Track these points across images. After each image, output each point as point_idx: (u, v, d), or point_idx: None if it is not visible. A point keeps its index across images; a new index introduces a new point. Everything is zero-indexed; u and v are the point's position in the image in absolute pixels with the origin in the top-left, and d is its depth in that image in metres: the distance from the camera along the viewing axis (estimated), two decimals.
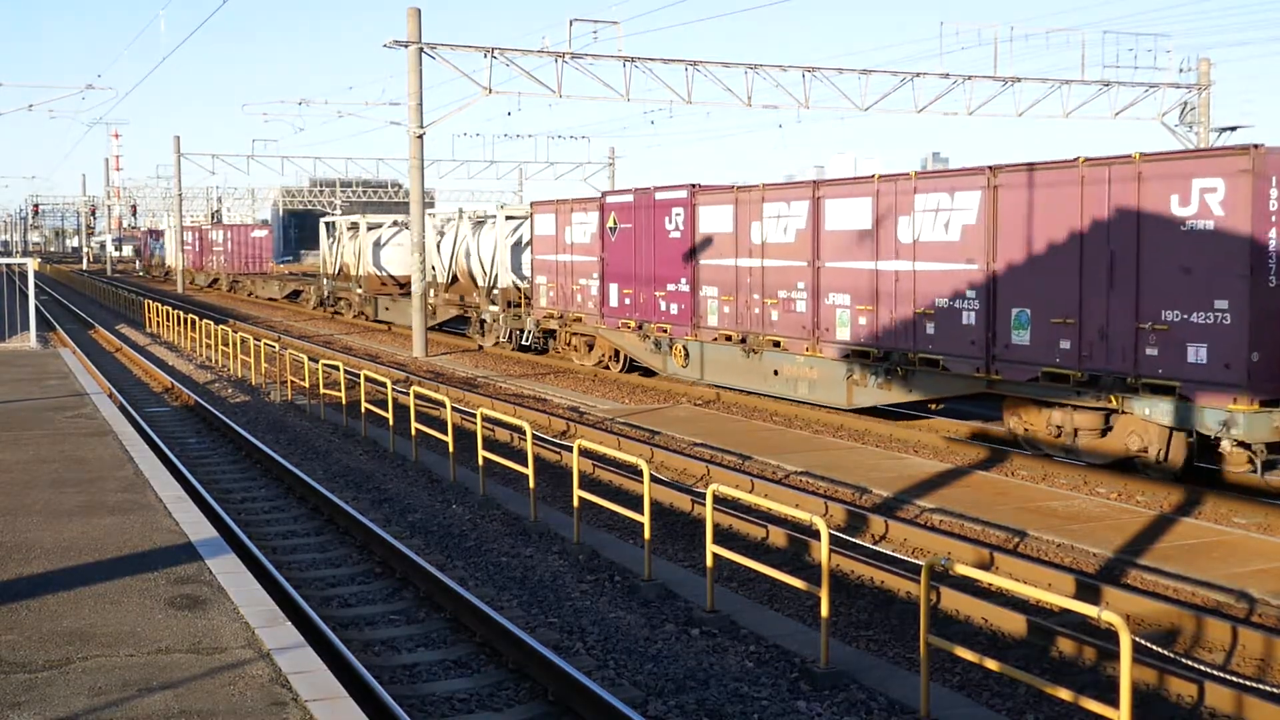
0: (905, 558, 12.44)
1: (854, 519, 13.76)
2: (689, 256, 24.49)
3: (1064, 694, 7.41)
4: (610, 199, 27.60)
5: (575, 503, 13.02)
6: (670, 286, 25.26)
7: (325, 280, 52.12)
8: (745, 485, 15.55)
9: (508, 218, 34.19)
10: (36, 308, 34.97)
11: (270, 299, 65.30)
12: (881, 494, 15.02)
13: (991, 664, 7.93)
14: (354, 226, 48.04)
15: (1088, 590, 10.89)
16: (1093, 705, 7.09)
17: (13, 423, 17.57)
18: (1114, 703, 6.92)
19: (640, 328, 26.30)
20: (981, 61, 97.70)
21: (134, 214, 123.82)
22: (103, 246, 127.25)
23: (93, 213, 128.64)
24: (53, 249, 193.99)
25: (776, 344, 22.20)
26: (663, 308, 25.49)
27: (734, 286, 23.30)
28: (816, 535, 12.27)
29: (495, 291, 34.10)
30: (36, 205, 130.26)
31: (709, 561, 10.60)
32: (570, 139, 76.50)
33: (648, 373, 27.52)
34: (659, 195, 25.62)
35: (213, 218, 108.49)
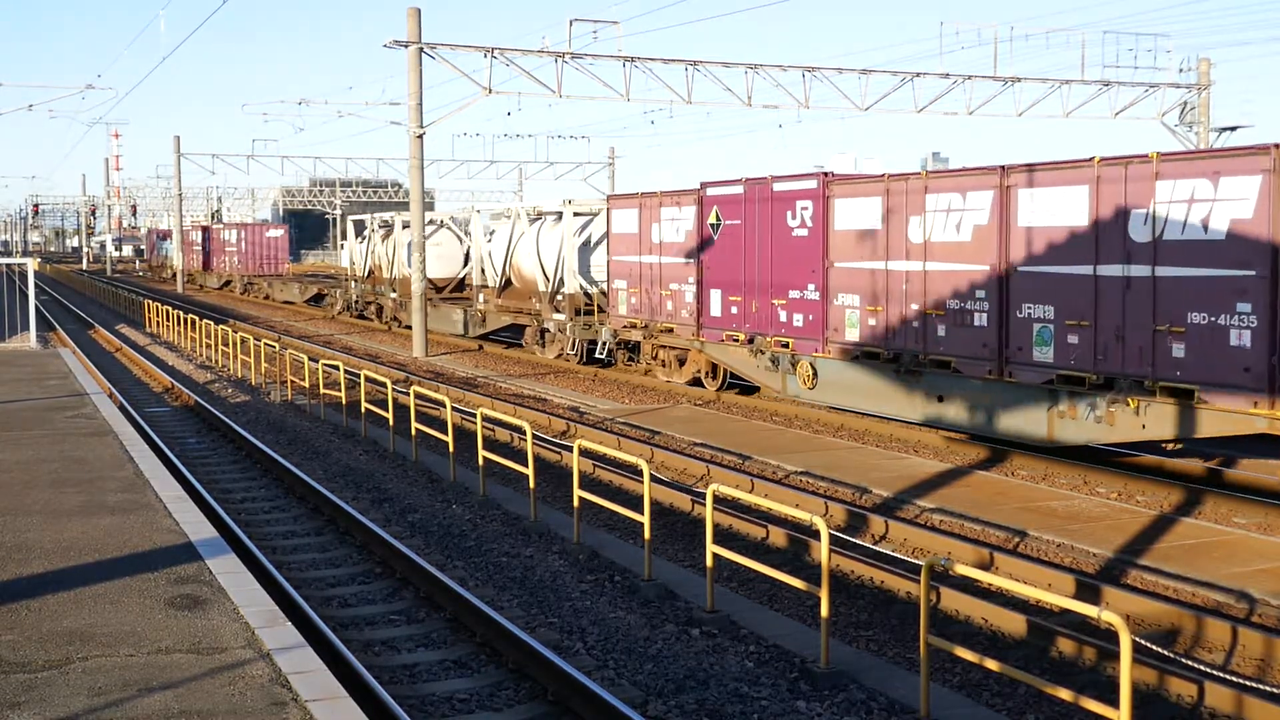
0: (905, 558, 12.44)
1: (854, 519, 13.76)
2: (819, 258, 20.63)
3: (1064, 694, 7.41)
4: (712, 191, 23.68)
5: (575, 503, 13.02)
6: (793, 294, 21.35)
7: (353, 284, 47.87)
8: (745, 485, 15.55)
9: (575, 214, 30.57)
10: (36, 308, 34.98)
11: (287, 302, 61.65)
12: (881, 494, 15.02)
13: (991, 664, 7.93)
14: (387, 225, 44.25)
15: (1088, 590, 10.89)
16: (1093, 705, 7.09)
17: (13, 423, 17.57)
18: (1114, 703, 6.92)
19: (751, 341, 22.46)
20: (981, 61, 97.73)
21: (134, 214, 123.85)
22: (103, 246, 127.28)
23: (93, 213, 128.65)
24: (53, 249, 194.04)
25: (944, 365, 18.13)
26: (782, 318, 21.66)
27: (882, 294, 19.36)
28: (816, 535, 12.28)
29: (560, 297, 30.35)
30: (36, 205, 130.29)
31: (709, 561, 10.60)
32: (570, 139, 76.61)
33: (747, 389, 24.88)
34: (779, 186, 21.80)
35: (213, 217, 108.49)
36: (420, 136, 34.46)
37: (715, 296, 23.70)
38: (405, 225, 41.47)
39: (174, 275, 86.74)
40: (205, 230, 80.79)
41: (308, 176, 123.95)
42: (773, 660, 9.56)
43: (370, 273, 45.73)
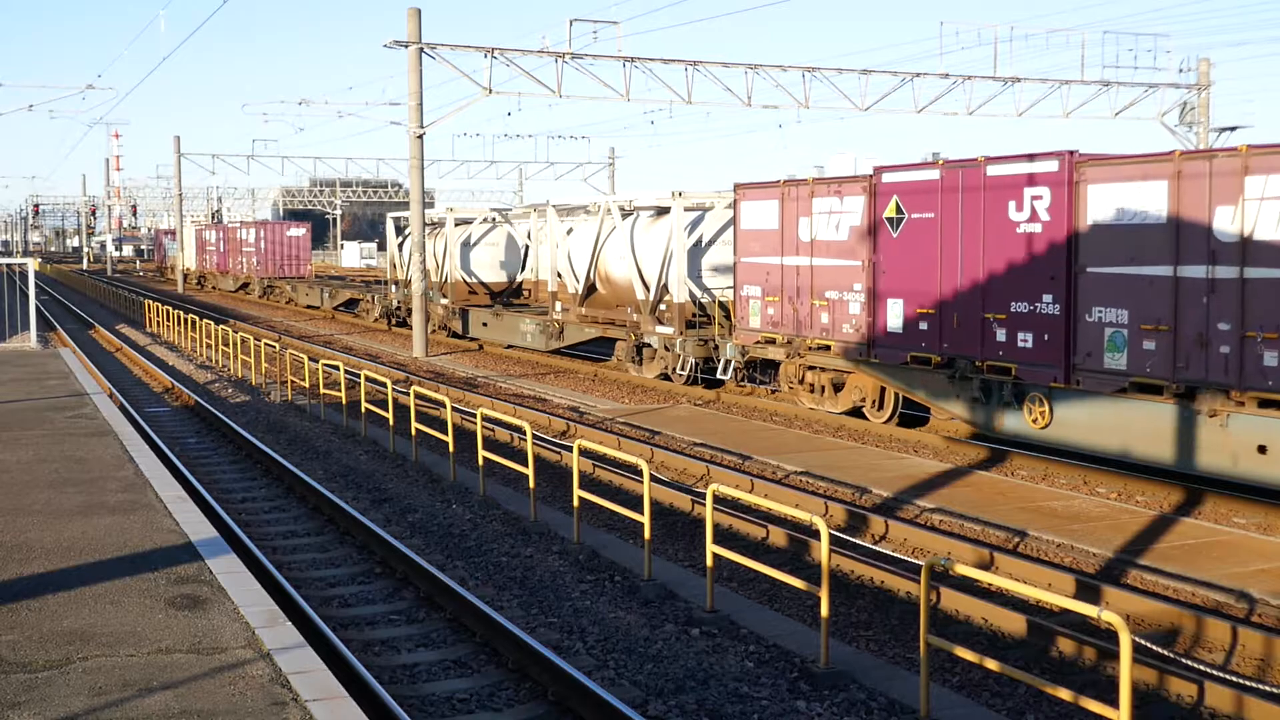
0: (905, 558, 12.44)
1: (854, 519, 13.77)
2: (1062, 261, 16.14)
3: (1064, 694, 7.41)
4: (891, 177, 19.24)
5: (575, 503, 13.03)
6: (1018, 306, 16.82)
7: (394, 288, 42.13)
8: (745, 485, 15.55)
9: (685, 209, 25.98)
10: (37, 308, 34.98)
11: (310, 307, 55.85)
12: (881, 494, 15.02)
13: (991, 664, 7.94)
14: (435, 224, 39.75)
15: (1088, 590, 10.89)
16: (1093, 705, 7.10)
17: (13, 423, 17.57)
18: (1114, 703, 6.92)
19: (950, 364, 18.05)
20: (981, 61, 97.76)
21: (134, 214, 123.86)
22: (103, 246, 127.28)
23: (93, 213, 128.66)
24: (53, 249, 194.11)
25: (1270, 404, 13.89)
26: (1000, 337, 17.17)
27: (1166, 310, 14.75)
28: (816, 535, 12.28)
29: (664, 307, 25.91)
30: (37, 205, 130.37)
31: (709, 561, 10.60)
32: (570, 139, 76.58)
33: (912, 412, 20.68)
34: (996, 170, 17.28)
35: (213, 218, 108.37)
36: (420, 136, 34.46)
37: (894, 308, 19.15)
38: (459, 222, 38.13)
39: (184, 277, 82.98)
40: (220, 229, 75.13)
41: (308, 176, 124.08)
42: (773, 660, 9.56)
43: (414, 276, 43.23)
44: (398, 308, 42.21)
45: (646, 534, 11.56)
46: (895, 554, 12.60)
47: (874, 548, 12.88)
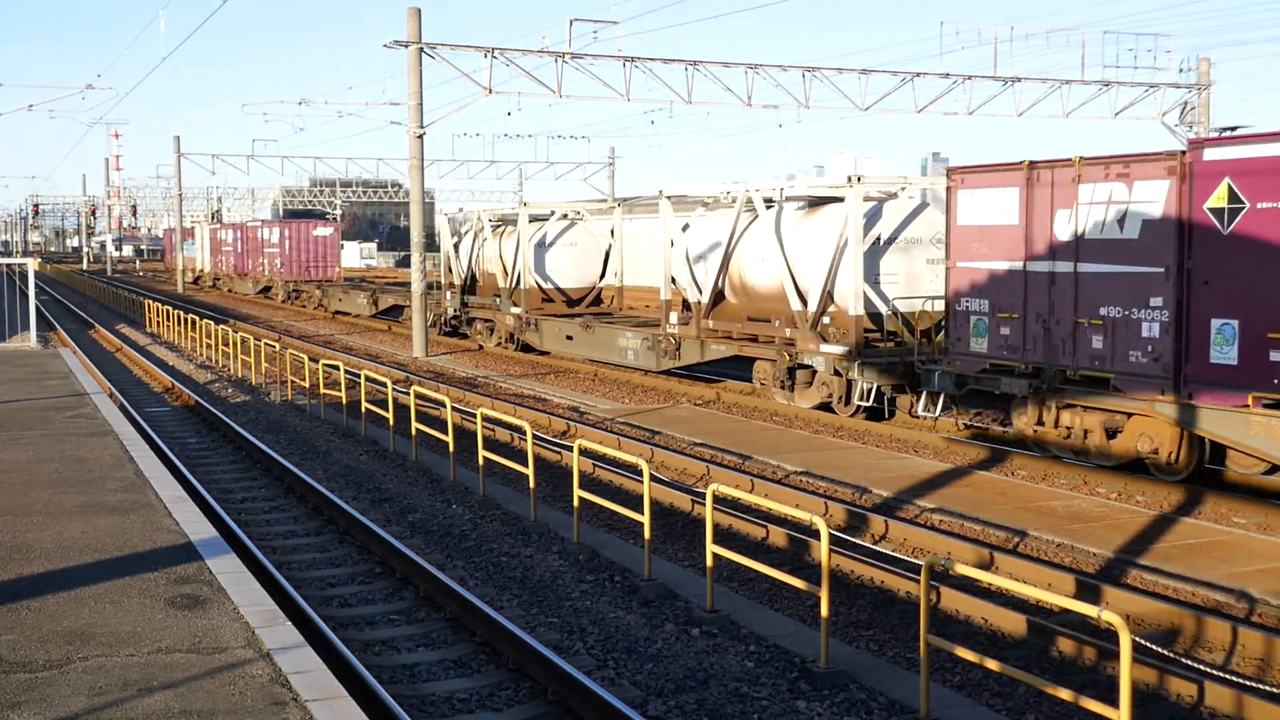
0: (905, 557, 12.44)
1: (854, 519, 13.77)
2: None
3: (1064, 694, 7.41)
4: (1217, 153, 14.73)
5: (575, 503, 13.03)
6: None
7: (449, 294, 37.37)
8: (745, 485, 15.55)
9: (865, 198, 21.31)
10: (37, 308, 34.98)
11: (339, 313, 50.90)
12: (881, 494, 15.02)
13: (991, 664, 7.94)
14: (503, 221, 35.09)
15: (1088, 590, 10.89)
16: (1093, 705, 7.10)
17: (13, 423, 17.57)
18: (1114, 703, 6.92)
19: None
20: (981, 61, 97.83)
21: (134, 214, 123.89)
22: (103, 247, 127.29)
23: (93, 213, 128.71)
24: (53, 249, 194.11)
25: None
26: None
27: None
28: (816, 535, 12.27)
29: (828, 320, 21.64)
30: (37, 205, 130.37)
31: (709, 561, 10.60)
32: (570, 139, 76.67)
33: (1218, 465, 15.86)
34: None
35: (213, 218, 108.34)
36: (420, 136, 34.46)
37: (1226, 332, 14.54)
38: (535, 219, 33.31)
39: (197, 279, 78.26)
40: (238, 229, 69.19)
41: (308, 176, 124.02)
42: (773, 660, 9.56)
43: (473, 280, 36.15)
44: (455, 316, 37.26)
45: (646, 534, 11.56)
46: (895, 554, 12.60)
47: (874, 548, 12.88)
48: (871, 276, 20.99)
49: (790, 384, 22.39)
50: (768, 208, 22.97)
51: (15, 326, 36.02)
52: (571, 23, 35.61)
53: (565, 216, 33.65)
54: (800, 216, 22.48)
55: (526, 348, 32.72)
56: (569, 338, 30.18)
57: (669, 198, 26.34)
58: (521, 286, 32.37)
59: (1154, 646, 9.39)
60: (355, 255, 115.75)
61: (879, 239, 21.11)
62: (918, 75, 40.37)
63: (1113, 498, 15.16)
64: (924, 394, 19.02)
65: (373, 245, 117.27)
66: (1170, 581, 11.39)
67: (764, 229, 22.77)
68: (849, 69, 39.96)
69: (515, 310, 32.74)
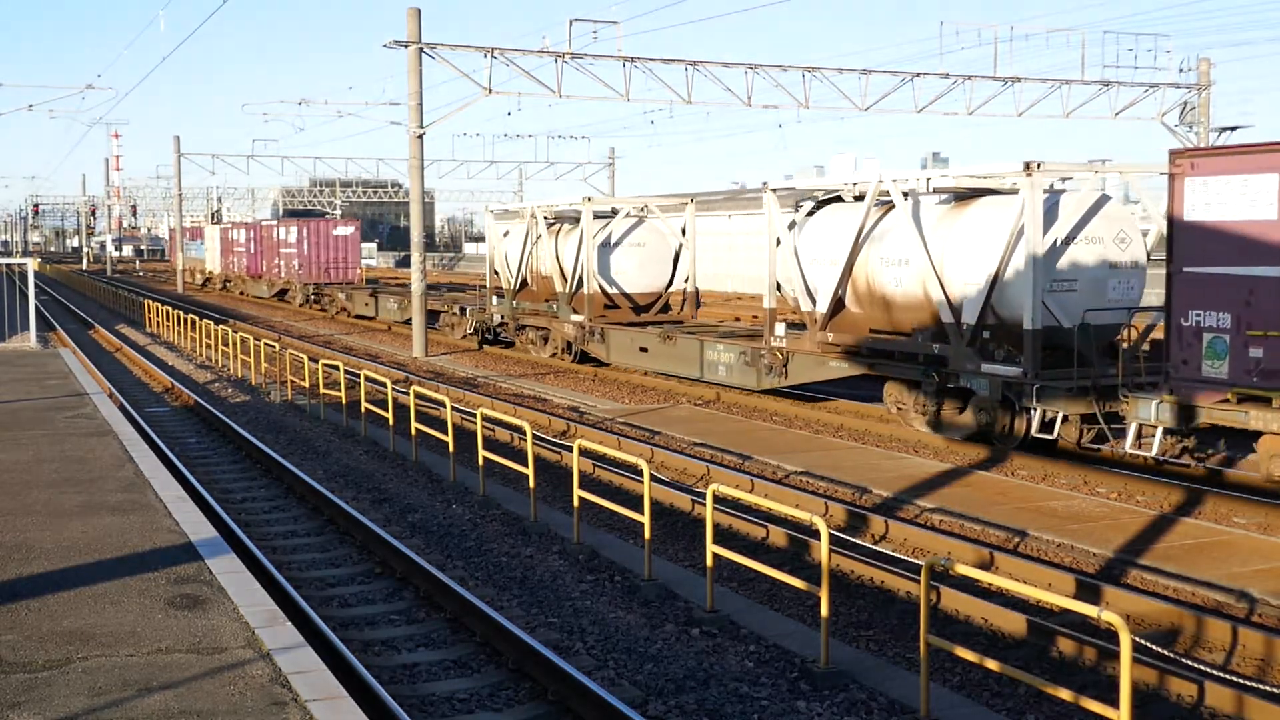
0: (905, 558, 12.44)
1: (854, 519, 13.76)
2: None
3: (1064, 694, 7.41)
4: None
5: (575, 503, 13.03)
6: None
7: (495, 299, 34.06)
8: (745, 485, 15.54)
9: (1049, 188, 18.31)
10: (36, 308, 34.99)
11: (360, 317, 47.82)
12: (881, 494, 15.02)
13: (991, 664, 7.94)
14: (558, 219, 31.48)
15: (1088, 590, 10.89)
16: (1093, 705, 7.10)
17: (13, 423, 17.57)
18: (1114, 703, 6.92)
19: None
20: (981, 61, 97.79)
21: (134, 214, 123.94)
22: (103, 247, 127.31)
23: (93, 213, 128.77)
24: (53, 249, 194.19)
25: None
26: None
27: None
28: (816, 535, 12.26)
29: (987, 335, 18.32)
30: (36, 205, 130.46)
31: (709, 561, 10.60)
32: (570, 139, 76.73)
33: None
34: None
35: (212, 218, 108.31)
36: (420, 136, 34.46)
37: None
38: (598, 216, 29.78)
39: (206, 282, 74.35)
40: (252, 228, 65.48)
41: (308, 176, 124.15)
42: (773, 660, 9.56)
43: (524, 283, 32.51)
44: (502, 323, 33.53)
45: (646, 534, 11.56)
46: (895, 554, 12.60)
47: (874, 548, 12.88)
48: (1046, 283, 17.63)
49: (936, 408, 19.10)
50: (903, 194, 19.65)
51: (15, 326, 36.01)
52: (571, 23, 35.65)
53: (630, 214, 30.47)
54: (949, 212, 19.32)
55: (584, 358, 29.68)
56: (642, 349, 26.54)
57: (775, 191, 22.86)
58: (585, 291, 28.76)
59: (1154, 646, 9.39)
60: None
61: (1055, 240, 17.77)
62: (918, 75, 40.37)
63: (1113, 498, 15.16)
64: (1134, 426, 15.46)
65: (373, 245, 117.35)
66: (1170, 581, 11.39)
67: (901, 226, 19.50)
68: (849, 69, 40.01)
69: (576, 318, 29.05)
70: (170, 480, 13.41)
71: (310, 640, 8.50)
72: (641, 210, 30.66)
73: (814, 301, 21.59)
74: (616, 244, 29.75)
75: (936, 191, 19.90)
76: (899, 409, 20.00)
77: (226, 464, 18.50)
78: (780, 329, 22.19)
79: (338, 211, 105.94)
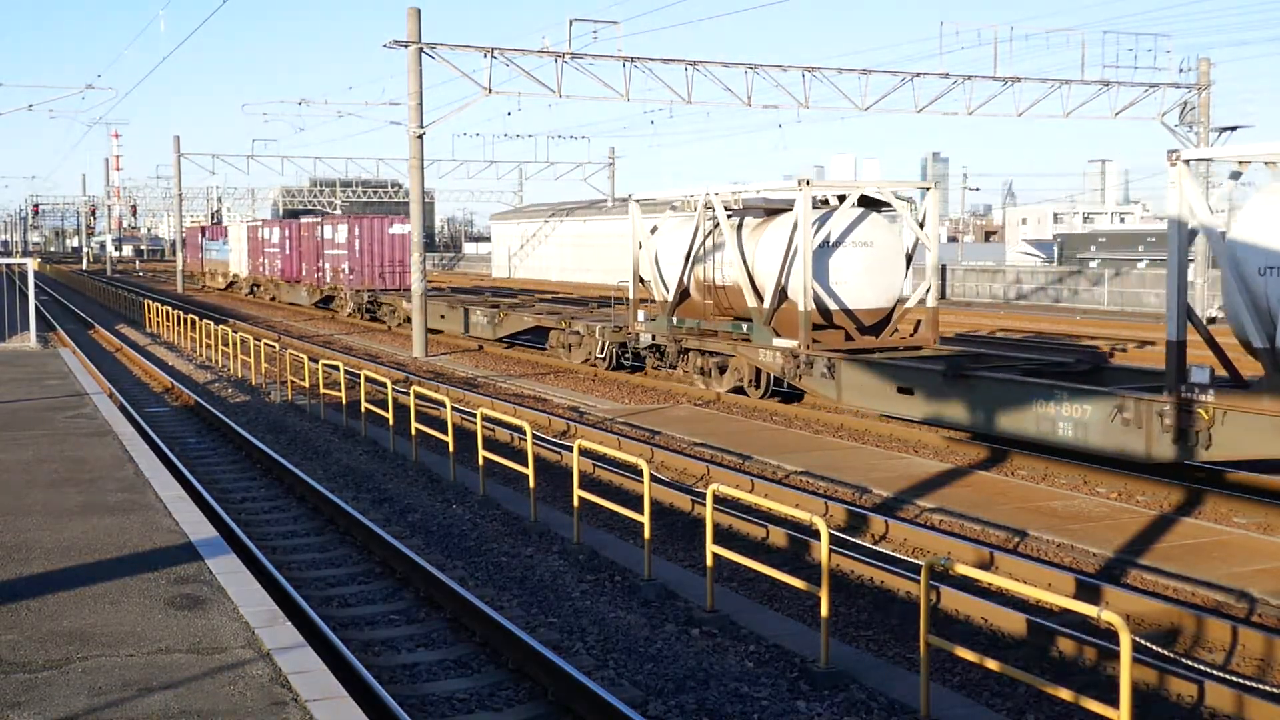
0: (905, 557, 12.44)
1: (854, 519, 13.76)
2: None
3: (1064, 694, 7.41)
4: None
5: (575, 503, 13.02)
6: None
7: (643, 313, 26.80)
8: (745, 485, 15.54)
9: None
10: (36, 308, 34.98)
11: (434, 330, 37.61)
12: (881, 494, 15.02)
13: (991, 664, 7.93)
14: (743, 212, 24.06)
15: (1088, 590, 10.89)
16: (1093, 705, 7.09)
17: (13, 423, 17.57)
18: (1114, 703, 6.92)
19: None
20: (981, 61, 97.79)
21: (134, 214, 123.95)
22: (103, 247, 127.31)
23: (93, 213, 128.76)
24: (53, 249, 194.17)
25: None
26: None
27: None
28: (816, 535, 12.26)
29: None
30: (36, 205, 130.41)
31: (709, 561, 10.60)
32: (570, 139, 76.71)
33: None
34: None
35: (213, 218, 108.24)
36: (420, 136, 34.46)
37: None
38: (823, 203, 22.67)
39: (229, 286, 68.12)
40: (288, 226, 56.48)
41: (308, 176, 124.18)
42: (773, 660, 9.56)
43: (684, 294, 25.32)
44: (653, 345, 26.34)
45: (646, 534, 11.56)
46: (895, 554, 12.60)
47: (874, 548, 12.88)
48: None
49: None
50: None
51: (15, 326, 36.01)
52: (571, 23, 35.66)
53: (855, 205, 22.56)
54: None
55: (790, 396, 23.40)
56: (903, 390, 18.89)
57: (1187, 162, 14.81)
58: (801, 308, 21.42)
59: (1154, 646, 9.38)
60: None
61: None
62: (918, 75, 40.36)
63: (1113, 498, 15.16)
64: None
65: None
66: (1170, 581, 11.39)
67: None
68: (849, 69, 40.00)
69: (785, 343, 21.84)
70: (170, 480, 13.40)
71: (310, 640, 8.50)
72: (874, 197, 23.06)
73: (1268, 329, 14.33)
74: (837, 244, 22.22)
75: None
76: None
77: (226, 464, 18.49)
78: (1201, 374, 14.62)
79: (338, 211, 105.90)
